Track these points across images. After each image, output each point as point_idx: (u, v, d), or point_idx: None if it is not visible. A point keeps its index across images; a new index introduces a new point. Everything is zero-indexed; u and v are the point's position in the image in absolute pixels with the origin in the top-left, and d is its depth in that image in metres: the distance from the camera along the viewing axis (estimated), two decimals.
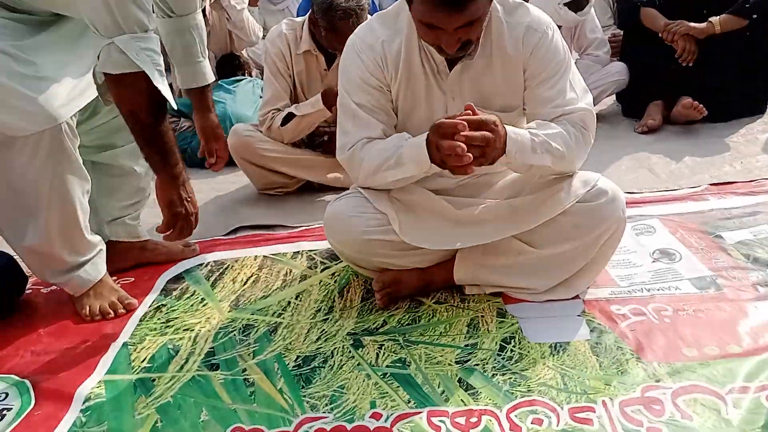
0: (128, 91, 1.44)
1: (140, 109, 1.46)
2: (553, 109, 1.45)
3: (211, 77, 1.99)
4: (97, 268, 1.70)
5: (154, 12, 1.52)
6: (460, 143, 1.28)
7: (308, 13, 2.37)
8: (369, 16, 2.39)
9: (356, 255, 1.60)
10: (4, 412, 1.33)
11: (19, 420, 1.30)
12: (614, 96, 3.30)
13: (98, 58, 1.41)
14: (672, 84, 2.95)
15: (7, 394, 1.38)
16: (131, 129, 1.51)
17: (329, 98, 2.29)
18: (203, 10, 3.13)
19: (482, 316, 1.51)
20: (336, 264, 1.83)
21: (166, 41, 1.88)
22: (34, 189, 1.51)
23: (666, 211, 2.03)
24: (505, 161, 1.39)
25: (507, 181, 1.65)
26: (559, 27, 2.89)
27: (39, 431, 1.26)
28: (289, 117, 2.39)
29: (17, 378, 1.44)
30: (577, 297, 1.55)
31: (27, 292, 1.83)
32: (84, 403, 1.33)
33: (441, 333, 1.46)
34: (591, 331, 1.42)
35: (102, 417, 1.28)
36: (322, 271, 1.82)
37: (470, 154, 1.28)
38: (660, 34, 2.87)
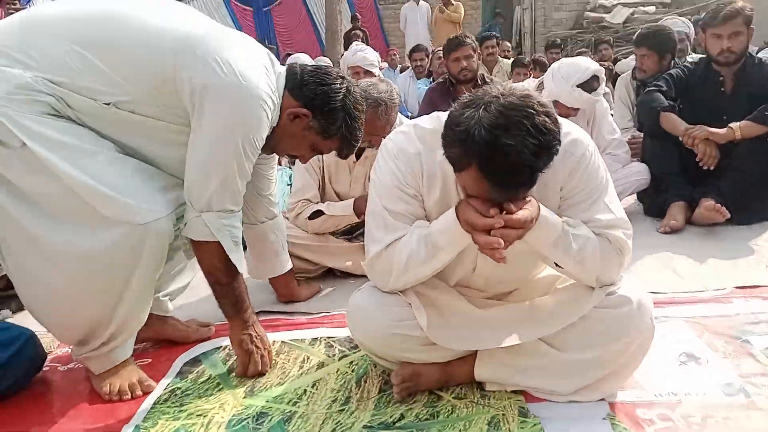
0: (207, 256, 1.66)
1: (217, 272, 1.68)
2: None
3: (289, 264, 2.20)
4: (126, 349, 1.70)
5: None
6: (497, 240, 1.31)
7: None
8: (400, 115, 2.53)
9: (378, 348, 1.59)
10: None
11: None
12: (635, 195, 3.33)
13: (185, 224, 1.63)
14: (694, 186, 2.98)
15: None
16: (208, 283, 1.72)
17: (361, 206, 2.37)
18: None
19: (503, 415, 1.47)
20: (354, 352, 1.81)
21: (247, 238, 2.07)
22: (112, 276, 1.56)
23: (691, 313, 2.00)
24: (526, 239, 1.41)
25: (534, 288, 1.66)
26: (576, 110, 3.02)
27: None
28: (318, 212, 2.45)
29: None
30: (602, 399, 1.51)
31: (44, 369, 1.83)
32: None
33: (460, 430, 1.41)
34: None
35: None
36: (340, 359, 1.80)
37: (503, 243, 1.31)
38: (680, 138, 2.93)
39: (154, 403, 1.63)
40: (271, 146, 1.74)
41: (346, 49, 10.15)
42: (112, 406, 1.63)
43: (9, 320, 2.12)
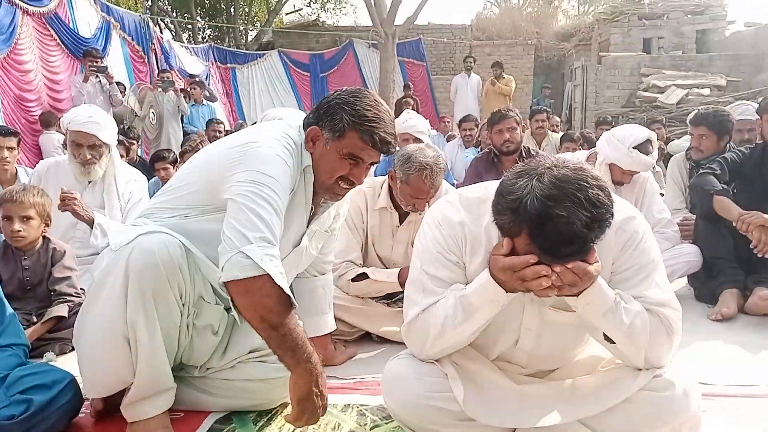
0: (256, 297, 1.46)
1: (269, 312, 1.47)
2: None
3: (333, 325, 2.20)
4: (165, 402, 1.71)
5: None
6: (545, 267, 1.30)
7: (389, 170, 2.53)
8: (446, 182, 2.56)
9: (411, 419, 1.55)
10: None
11: None
12: (686, 278, 3.23)
13: (222, 270, 1.48)
14: (747, 273, 2.88)
15: None
16: (262, 336, 1.51)
17: (405, 277, 2.35)
18: None
19: None
20: (386, 423, 1.77)
21: (296, 290, 2.07)
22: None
23: (741, 407, 1.89)
24: (572, 303, 1.39)
25: (576, 368, 1.61)
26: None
27: None
28: (362, 275, 2.47)
29: None
30: None
31: (80, 415, 1.85)
32: None
33: None
34: None
35: None
36: (371, 429, 1.76)
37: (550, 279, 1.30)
38: (734, 224, 2.86)
39: None
40: (319, 183, 1.76)
41: (397, 116, 10.43)
42: None
43: (52, 363, 2.17)
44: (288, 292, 1.49)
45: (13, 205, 2.50)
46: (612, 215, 1.29)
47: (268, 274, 1.44)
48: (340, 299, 2.47)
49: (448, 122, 9.20)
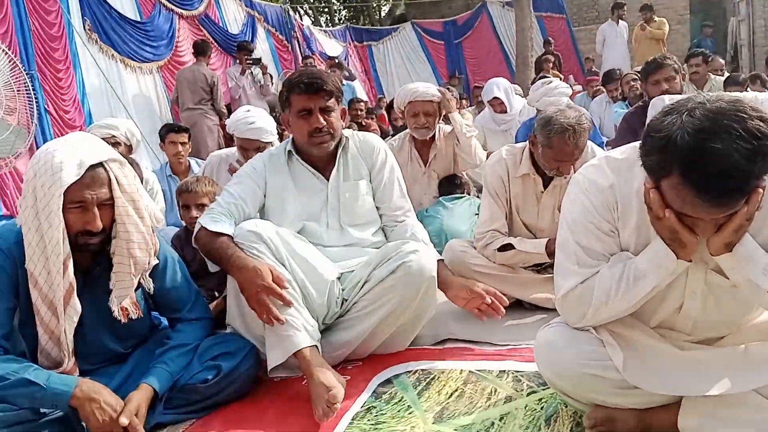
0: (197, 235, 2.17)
1: (200, 240, 2.15)
2: None
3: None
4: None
5: None
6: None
7: (529, 135, 2.48)
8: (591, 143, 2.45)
9: (568, 387, 1.54)
10: None
11: None
12: None
13: None
14: None
15: None
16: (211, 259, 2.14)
17: (553, 248, 2.32)
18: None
19: None
20: (543, 389, 1.78)
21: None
22: None
23: None
24: (727, 261, 1.31)
25: (748, 335, 1.50)
26: None
27: None
28: (508, 246, 2.46)
29: None
30: None
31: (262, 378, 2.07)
32: None
33: None
34: None
35: None
36: (528, 394, 1.78)
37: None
38: None
39: (352, 419, 1.76)
40: (303, 148, 2.24)
41: (537, 73, 10.04)
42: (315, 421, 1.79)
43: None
44: (211, 228, 2.02)
45: (188, 194, 2.81)
46: None
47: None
48: (488, 267, 2.49)
49: (597, 84, 8.62)
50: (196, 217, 2.77)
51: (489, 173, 2.57)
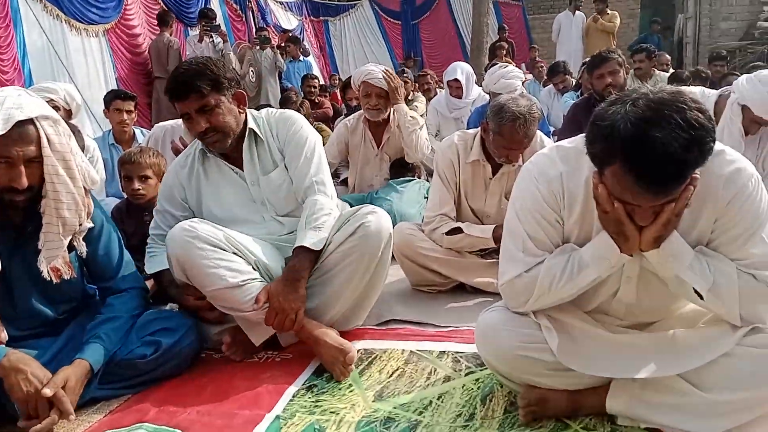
0: None
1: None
2: (739, 265, 1.39)
3: (311, 243, 2.02)
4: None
5: None
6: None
7: (482, 122, 2.51)
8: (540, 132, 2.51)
9: (505, 368, 1.59)
10: None
11: None
12: None
13: None
14: None
15: None
16: None
17: (499, 234, 2.34)
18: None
19: None
20: (481, 370, 1.83)
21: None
22: None
23: None
24: (654, 257, 1.38)
25: (676, 322, 1.58)
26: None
27: None
28: (456, 229, 2.50)
29: None
30: None
31: (201, 356, 2.05)
32: None
33: None
34: None
35: None
36: (466, 374, 1.83)
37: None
38: None
39: (293, 396, 1.77)
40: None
41: (490, 60, 10.13)
42: (256, 394, 1.79)
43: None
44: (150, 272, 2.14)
45: (131, 166, 2.73)
46: (713, 140, 1.22)
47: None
48: (434, 251, 2.52)
49: (542, 67, 8.79)
50: (138, 190, 2.70)
51: (440, 158, 2.59)
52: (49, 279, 1.73)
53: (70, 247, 1.79)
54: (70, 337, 1.85)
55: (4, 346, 1.66)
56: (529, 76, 8.66)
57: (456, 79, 4.99)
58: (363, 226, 2.01)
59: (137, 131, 4.18)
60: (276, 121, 2.22)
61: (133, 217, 2.79)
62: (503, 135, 2.35)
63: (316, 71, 9.86)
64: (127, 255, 2.01)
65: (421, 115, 5.83)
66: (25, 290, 1.77)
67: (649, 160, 1.20)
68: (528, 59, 10.61)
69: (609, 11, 9.55)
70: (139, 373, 1.85)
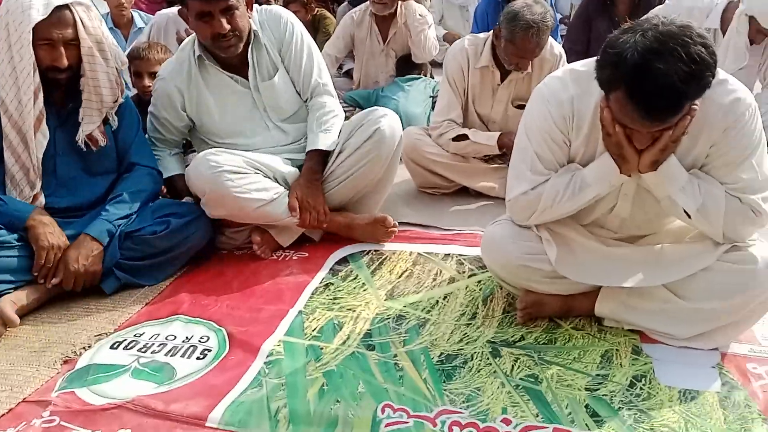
0: None
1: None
2: (728, 188, 1.51)
3: (323, 144, 2.18)
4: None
5: None
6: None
7: (493, 28, 2.52)
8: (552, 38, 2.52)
9: (507, 276, 1.76)
10: (206, 351, 1.68)
11: (217, 362, 1.63)
12: None
13: None
14: None
15: (208, 338, 1.74)
16: None
17: (503, 142, 2.51)
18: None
19: (617, 350, 1.61)
20: (482, 273, 2.00)
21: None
22: None
23: None
24: (651, 178, 1.50)
25: (665, 236, 1.73)
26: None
27: (231, 372, 1.58)
28: (462, 135, 2.58)
29: (216, 325, 1.79)
30: (715, 348, 1.60)
31: (223, 252, 2.21)
32: (267, 357, 1.64)
33: (574, 358, 1.59)
34: (722, 384, 1.48)
35: (281, 371, 1.58)
36: (469, 277, 2.00)
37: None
38: None
39: (312, 293, 1.95)
40: (210, 51, 2.16)
41: None
42: (279, 290, 1.97)
43: None
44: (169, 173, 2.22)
45: (141, 61, 2.72)
46: (713, 75, 1.31)
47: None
48: (440, 156, 2.62)
49: None
50: (148, 86, 2.72)
51: (450, 62, 2.62)
52: (86, 149, 1.98)
53: (105, 121, 2.02)
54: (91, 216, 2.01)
55: (32, 205, 1.90)
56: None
57: None
58: (378, 130, 2.15)
59: (135, 14, 4.08)
60: (267, 21, 2.20)
61: (144, 113, 2.82)
62: (515, 43, 2.37)
63: None
64: (143, 135, 2.18)
65: (429, 9, 5.68)
66: (67, 161, 2.00)
67: (648, 90, 1.29)
68: None
69: None
70: (154, 250, 2.01)
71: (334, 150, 2.19)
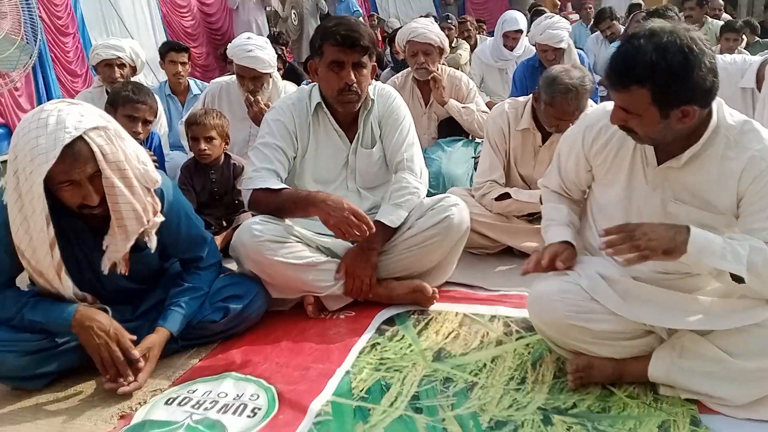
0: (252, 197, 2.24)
1: (261, 201, 2.21)
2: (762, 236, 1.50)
3: (391, 222, 2.21)
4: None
5: None
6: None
7: (533, 92, 2.58)
8: (591, 100, 2.56)
9: (555, 335, 1.76)
10: (256, 410, 1.70)
11: (267, 420, 1.66)
12: None
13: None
14: None
15: (258, 396, 1.77)
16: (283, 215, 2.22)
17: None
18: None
19: (674, 421, 1.56)
20: (531, 335, 1.99)
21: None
22: None
23: None
24: (688, 260, 1.49)
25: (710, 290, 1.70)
26: None
27: None
28: (505, 195, 2.61)
29: (266, 383, 1.82)
30: None
31: (271, 310, 2.26)
32: (316, 417, 1.65)
33: (630, 429, 1.54)
34: None
35: None
36: (517, 339, 1.99)
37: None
38: None
39: (360, 353, 1.97)
40: (330, 104, 2.25)
41: (530, 11, 9.82)
42: (327, 349, 2.00)
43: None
44: (267, 185, 2.14)
45: (198, 127, 2.89)
46: (681, 90, 1.42)
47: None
48: (484, 216, 2.65)
49: (591, 9, 8.52)
50: (204, 150, 2.87)
51: (491, 125, 2.69)
52: (112, 271, 1.83)
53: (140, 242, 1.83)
54: (154, 301, 2.04)
55: (76, 304, 1.82)
56: (575, 16, 8.44)
57: (519, 30, 4.88)
58: (448, 218, 2.21)
59: (191, 82, 4.32)
60: (379, 96, 2.35)
61: (201, 175, 2.97)
62: (555, 106, 2.42)
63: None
64: (202, 230, 2.10)
65: (465, 63, 5.83)
66: (111, 276, 1.86)
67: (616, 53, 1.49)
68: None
69: None
70: (211, 334, 2.05)
71: (401, 225, 2.23)
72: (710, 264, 1.49)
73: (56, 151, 1.57)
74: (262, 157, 2.22)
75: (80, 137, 1.61)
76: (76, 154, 1.61)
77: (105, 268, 1.82)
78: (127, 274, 1.87)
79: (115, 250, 1.80)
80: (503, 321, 2.12)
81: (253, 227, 2.11)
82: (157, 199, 1.84)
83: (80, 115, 1.64)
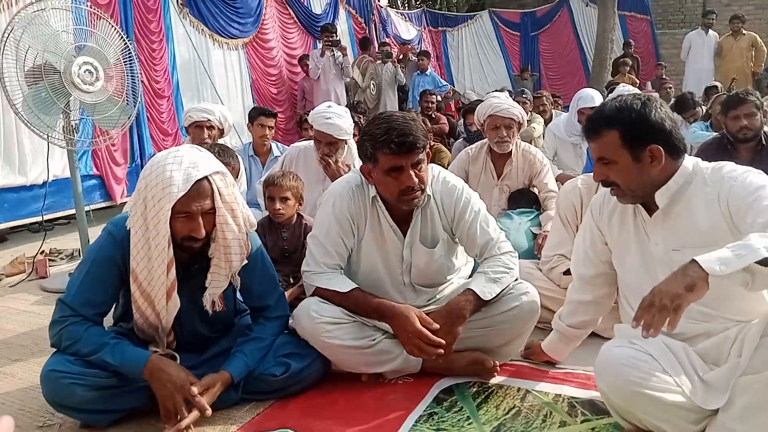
0: (324, 294, 2.20)
1: (334, 298, 2.18)
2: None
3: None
4: None
5: None
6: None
7: None
8: None
9: (623, 404, 1.68)
10: None
11: None
12: None
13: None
14: None
15: None
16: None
17: None
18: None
19: None
20: (597, 419, 1.90)
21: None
22: None
23: None
24: (713, 281, 1.39)
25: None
26: None
27: None
28: None
29: None
30: None
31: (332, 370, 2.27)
32: None
33: None
34: None
35: None
36: (582, 422, 1.90)
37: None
38: None
39: (416, 421, 1.94)
40: (390, 203, 2.18)
41: (613, 76, 9.82)
42: (384, 414, 1.98)
43: None
44: (333, 288, 2.13)
45: (275, 187, 3.02)
46: (639, 123, 1.66)
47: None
48: (551, 291, 2.60)
49: (670, 88, 8.42)
50: (279, 209, 2.99)
51: (562, 200, 2.68)
52: (191, 313, 2.01)
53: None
54: (222, 348, 2.12)
55: (149, 350, 1.95)
56: (656, 95, 8.34)
57: (594, 107, 4.89)
58: (518, 307, 2.17)
59: (273, 145, 4.57)
60: (441, 192, 2.24)
61: (273, 233, 3.08)
62: None
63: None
64: (275, 282, 2.22)
65: (538, 137, 5.86)
66: (190, 317, 2.04)
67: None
68: (654, 76, 10.21)
69: (745, 32, 8.98)
70: (271, 389, 2.08)
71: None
72: (735, 267, 1.37)
73: (188, 184, 1.81)
74: (323, 251, 2.18)
75: (206, 177, 1.85)
76: (201, 189, 1.85)
77: (207, 303, 1.99)
78: (224, 309, 2.05)
79: (218, 286, 1.99)
80: (568, 401, 2.04)
81: (311, 308, 2.12)
82: (249, 242, 2.03)
83: (208, 160, 1.91)
